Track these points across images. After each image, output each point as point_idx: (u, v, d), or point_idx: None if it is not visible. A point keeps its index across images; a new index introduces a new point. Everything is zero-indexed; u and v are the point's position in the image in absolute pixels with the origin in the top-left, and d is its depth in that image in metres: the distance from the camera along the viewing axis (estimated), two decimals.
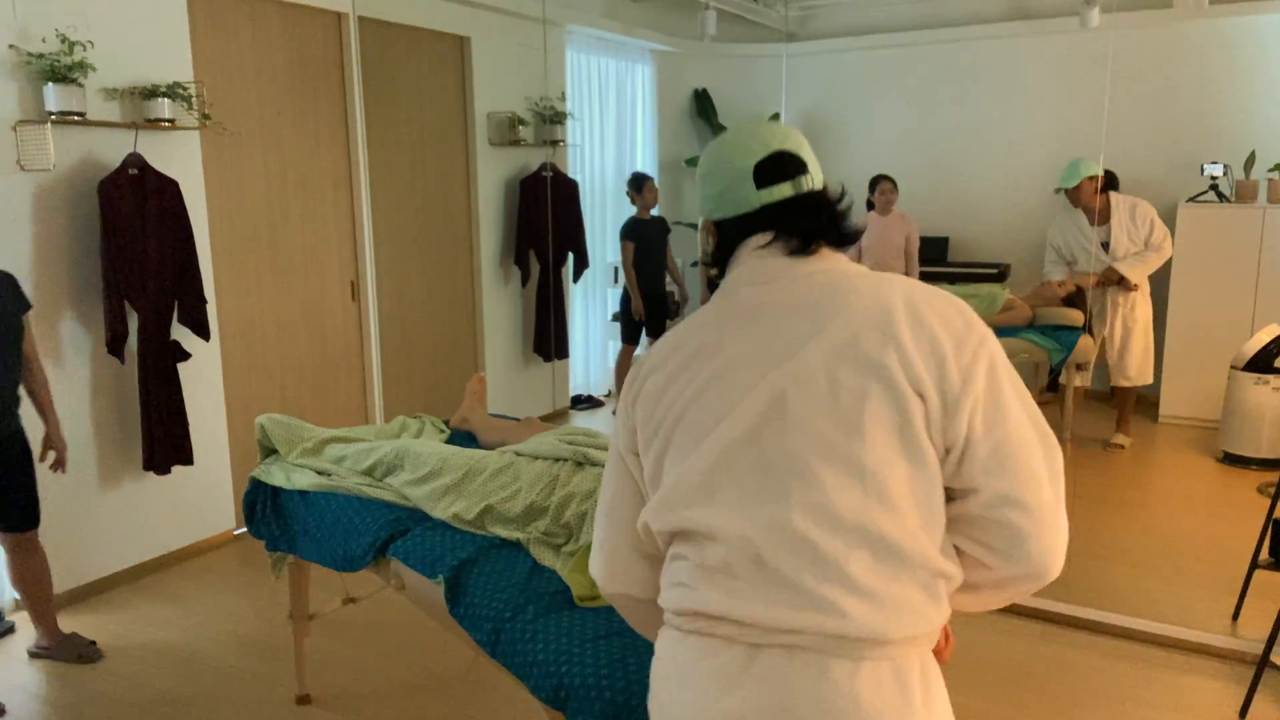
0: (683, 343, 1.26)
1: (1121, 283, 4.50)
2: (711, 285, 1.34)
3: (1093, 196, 4.44)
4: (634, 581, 1.32)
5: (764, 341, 1.20)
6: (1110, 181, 4.72)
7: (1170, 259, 4.88)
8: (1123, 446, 4.83)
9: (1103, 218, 4.52)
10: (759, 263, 1.26)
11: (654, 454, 1.25)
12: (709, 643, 1.17)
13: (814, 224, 1.26)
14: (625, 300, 5.99)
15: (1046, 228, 4.98)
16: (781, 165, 1.28)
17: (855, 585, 1.11)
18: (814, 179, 1.30)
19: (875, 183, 5.06)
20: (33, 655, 3.28)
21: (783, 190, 1.28)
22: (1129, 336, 4.67)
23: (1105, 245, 4.60)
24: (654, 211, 5.84)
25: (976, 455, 1.14)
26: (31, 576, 3.20)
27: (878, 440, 1.13)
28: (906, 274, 5.04)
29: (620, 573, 1.32)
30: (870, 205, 5.04)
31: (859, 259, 4.08)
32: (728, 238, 1.30)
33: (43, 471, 3.58)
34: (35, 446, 3.51)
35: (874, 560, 1.11)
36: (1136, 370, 4.67)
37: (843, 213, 1.29)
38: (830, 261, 1.25)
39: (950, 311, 1.18)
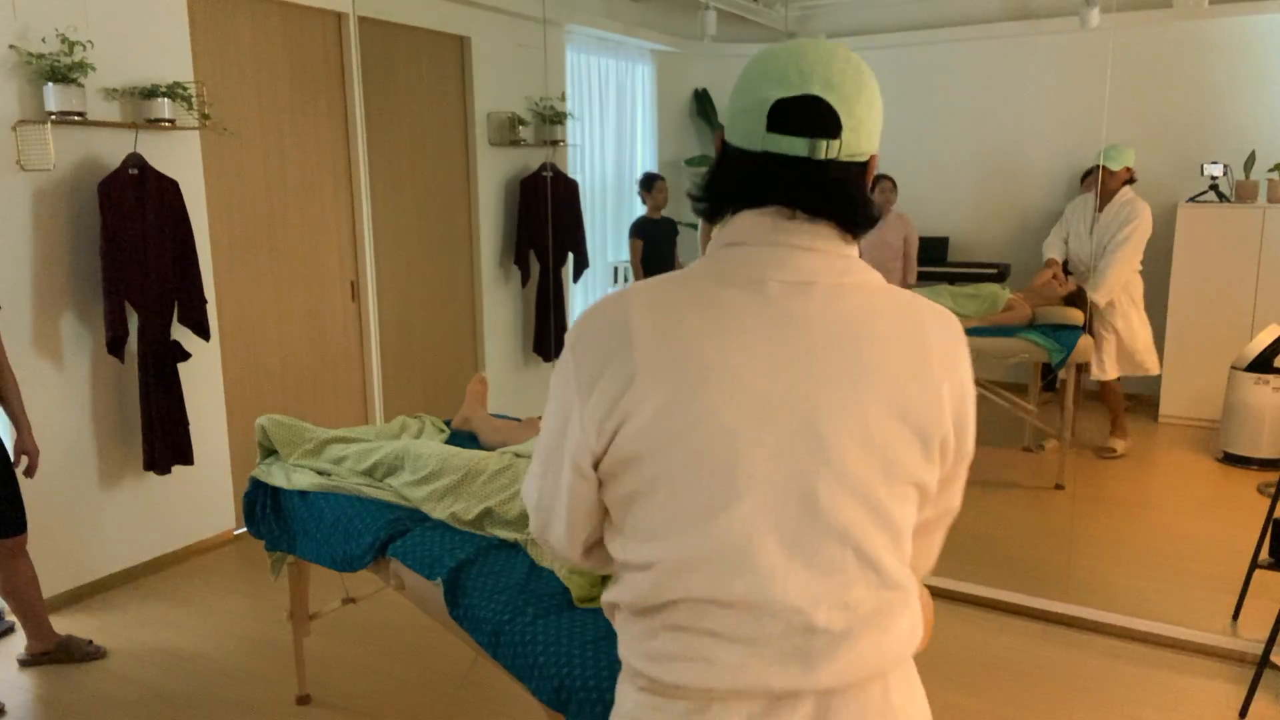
0: (679, 353, 1.00)
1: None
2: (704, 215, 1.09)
3: (1115, 183, 4.47)
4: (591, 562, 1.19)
5: (786, 366, 1.00)
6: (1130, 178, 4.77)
7: (1172, 260, 4.88)
8: (1116, 451, 4.70)
9: (1105, 202, 4.57)
10: (766, 251, 1.03)
11: (640, 482, 1.03)
12: (691, 707, 1.04)
13: (814, 198, 1.03)
14: None
15: (1047, 227, 4.98)
16: (806, 113, 1.01)
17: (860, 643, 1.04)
18: (845, 144, 1.02)
19: (875, 182, 5.06)
20: (23, 664, 3.23)
21: (793, 145, 1.02)
22: (1129, 324, 4.62)
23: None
24: (663, 212, 5.85)
25: (950, 482, 1.13)
26: (19, 583, 3.15)
27: (908, 495, 1.04)
28: (904, 275, 5.04)
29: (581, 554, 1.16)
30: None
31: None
32: (728, 169, 1.07)
33: (42, 473, 3.59)
34: None
35: (888, 609, 1.06)
36: (1144, 356, 4.60)
37: (864, 198, 1.06)
38: (848, 262, 1.05)
39: (963, 350, 1.07)
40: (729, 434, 0.99)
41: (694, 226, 6.10)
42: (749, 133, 1.04)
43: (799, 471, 0.99)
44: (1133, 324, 4.62)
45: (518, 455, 2.41)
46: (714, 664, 1.01)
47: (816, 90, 1.01)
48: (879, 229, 5.03)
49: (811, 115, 1.01)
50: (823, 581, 1.00)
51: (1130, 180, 4.42)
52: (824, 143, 1.01)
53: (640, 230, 5.78)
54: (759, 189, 1.04)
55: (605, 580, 1.92)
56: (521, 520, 2.20)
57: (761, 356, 1.00)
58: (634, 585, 1.06)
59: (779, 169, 1.03)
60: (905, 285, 4.48)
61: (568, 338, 1.08)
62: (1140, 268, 4.50)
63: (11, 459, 3.10)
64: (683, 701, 1.04)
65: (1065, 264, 4.69)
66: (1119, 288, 4.42)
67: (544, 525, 1.15)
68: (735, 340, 1.00)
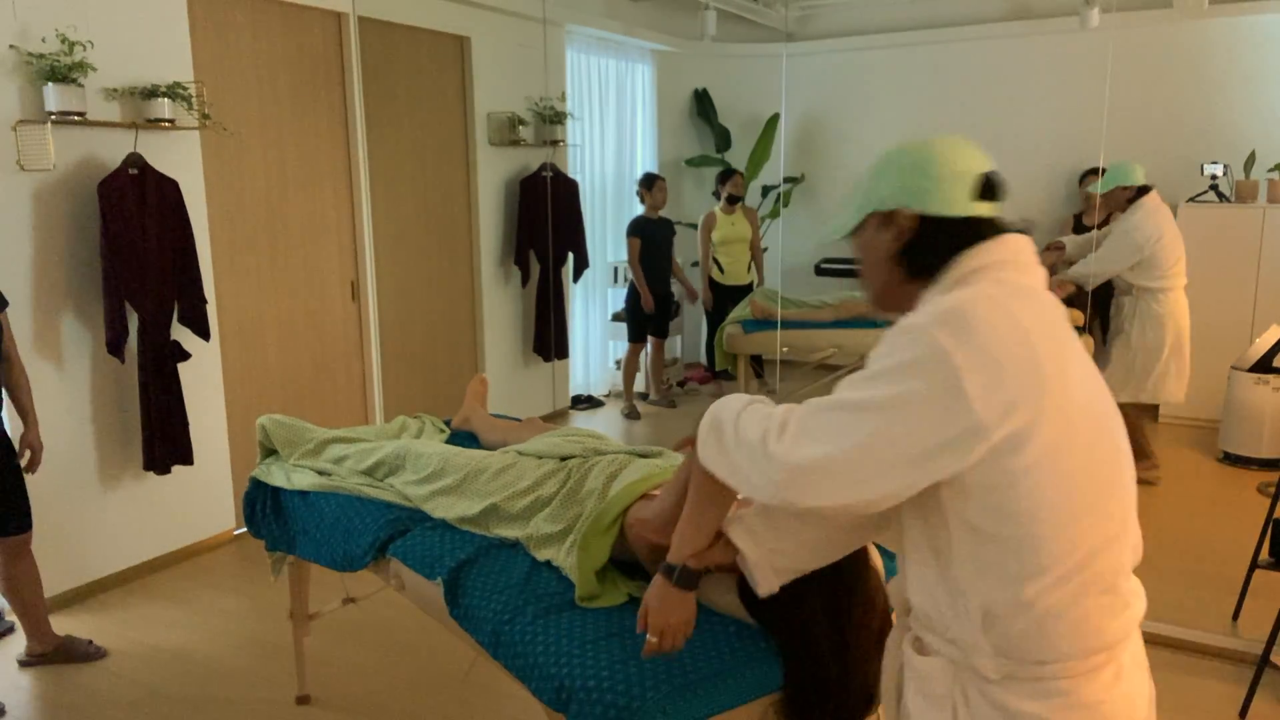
0: (1045, 353, 1.15)
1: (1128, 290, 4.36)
2: (915, 273, 1.29)
3: (1115, 204, 4.36)
4: (805, 537, 1.47)
5: (1084, 361, 1.22)
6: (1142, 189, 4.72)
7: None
8: (1146, 479, 4.48)
9: (1104, 222, 4.52)
10: (1021, 275, 1.26)
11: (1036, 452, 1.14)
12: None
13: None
14: (629, 300, 5.99)
15: (1047, 226, 4.98)
16: (999, 187, 1.30)
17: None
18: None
19: None
20: (23, 664, 3.22)
21: (996, 210, 1.30)
22: (1159, 346, 4.37)
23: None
24: (661, 212, 5.85)
25: None
26: (21, 583, 3.14)
27: None
28: None
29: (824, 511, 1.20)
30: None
31: None
32: (933, 234, 1.27)
33: (42, 473, 3.58)
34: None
35: None
36: (1175, 384, 4.33)
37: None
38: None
39: None
40: (1107, 420, 1.22)
41: (694, 227, 6.11)
42: (948, 200, 1.28)
43: (1122, 446, 1.25)
44: (1151, 342, 4.40)
45: (521, 453, 2.41)
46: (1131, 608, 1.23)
47: (991, 169, 1.32)
48: None
49: (1000, 188, 1.31)
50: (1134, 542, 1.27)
51: (1141, 192, 4.31)
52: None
53: (638, 229, 5.78)
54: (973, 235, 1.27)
55: (608, 578, 1.92)
56: (525, 514, 2.19)
57: (1074, 359, 1.21)
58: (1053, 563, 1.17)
59: (981, 227, 1.28)
60: None
61: (958, 357, 1.12)
62: (1171, 285, 4.27)
63: (18, 458, 3.11)
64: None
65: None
66: (1099, 275, 4.32)
67: (811, 489, 1.16)
68: (1070, 345, 1.21)
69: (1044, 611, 1.16)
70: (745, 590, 1.65)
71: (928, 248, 1.27)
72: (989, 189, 1.28)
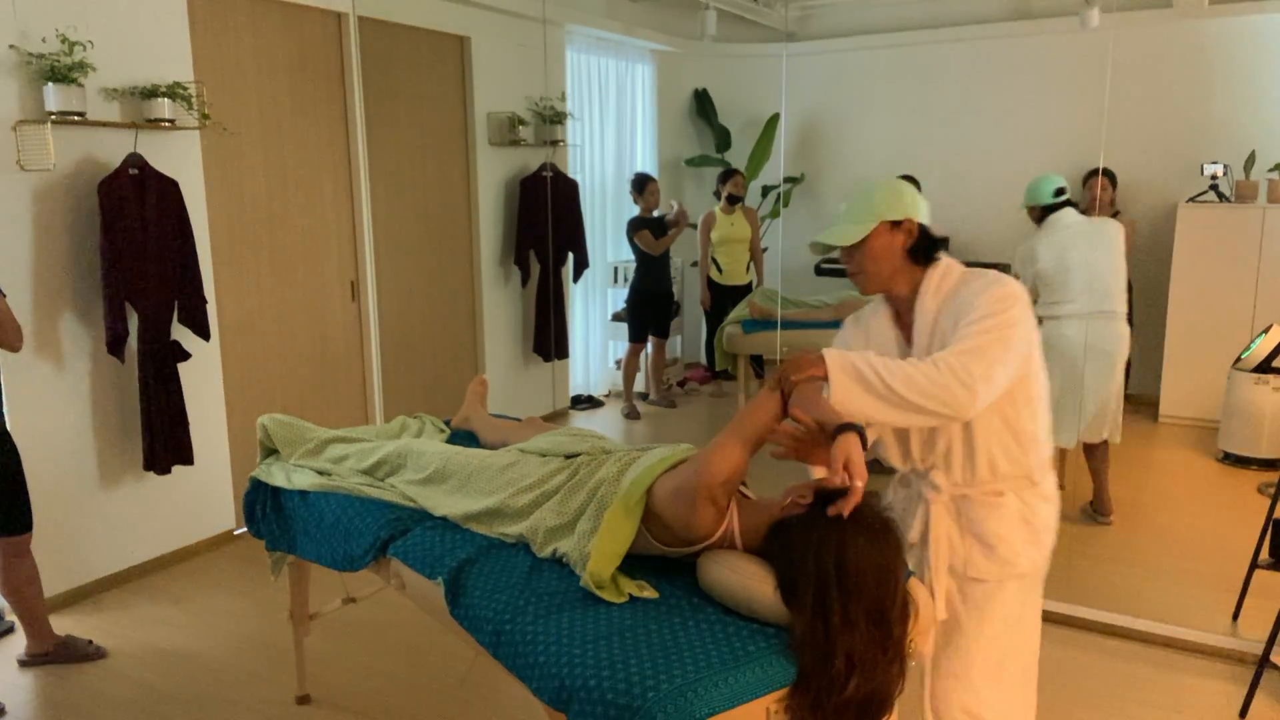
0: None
1: None
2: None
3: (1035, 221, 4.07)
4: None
5: None
6: (1111, 181, 4.67)
7: (1172, 260, 4.88)
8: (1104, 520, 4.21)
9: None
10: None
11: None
12: None
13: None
14: (630, 300, 5.99)
15: None
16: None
17: None
18: None
19: None
20: (23, 664, 3.22)
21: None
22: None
23: None
24: (655, 213, 5.85)
25: None
26: (21, 582, 3.14)
27: None
28: None
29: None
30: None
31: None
32: (925, 236, 1.97)
33: (42, 473, 3.58)
34: (27, 449, 3.51)
35: None
36: (1113, 421, 4.04)
37: None
38: None
39: None
40: None
41: (693, 227, 6.11)
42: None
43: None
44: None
45: (523, 451, 2.41)
46: None
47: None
48: None
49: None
50: None
51: (1048, 211, 3.94)
52: None
53: (638, 229, 5.80)
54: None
55: (612, 575, 1.92)
56: (529, 510, 2.19)
57: None
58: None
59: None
60: None
61: (1023, 300, 1.88)
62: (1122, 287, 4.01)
63: (20, 458, 3.11)
64: None
65: None
66: None
67: (994, 392, 1.80)
68: None
69: (1041, 446, 1.99)
70: (781, 571, 1.72)
71: (929, 245, 1.98)
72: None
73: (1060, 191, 3.95)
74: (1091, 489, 4.20)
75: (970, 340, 1.79)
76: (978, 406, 1.77)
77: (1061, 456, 4.20)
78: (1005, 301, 1.83)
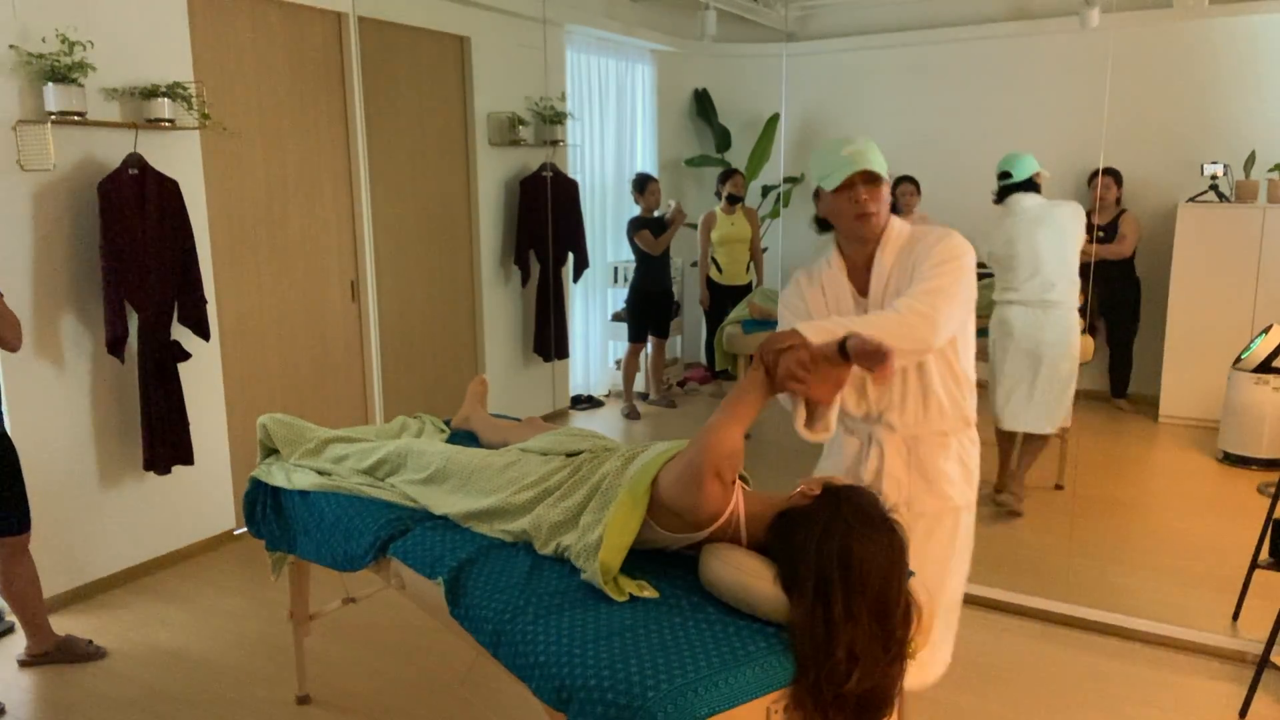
0: None
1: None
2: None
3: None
4: None
5: None
6: (1116, 180, 4.66)
7: (1171, 260, 4.88)
8: (1018, 512, 4.19)
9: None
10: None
11: None
12: None
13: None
14: (630, 300, 5.99)
15: None
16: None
17: None
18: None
19: (895, 184, 5.05)
20: (23, 664, 3.22)
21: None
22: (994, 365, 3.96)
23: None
24: (656, 213, 5.85)
25: None
26: (20, 582, 3.14)
27: None
28: None
29: None
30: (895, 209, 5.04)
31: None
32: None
33: (42, 473, 3.58)
34: (27, 449, 3.51)
35: None
36: (1064, 413, 3.97)
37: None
38: None
39: None
40: None
41: (693, 226, 6.11)
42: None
43: None
44: (993, 360, 3.96)
45: (524, 450, 2.40)
46: None
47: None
48: None
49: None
50: None
51: (1005, 192, 3.91)
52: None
53: (638, 228, 5.80)
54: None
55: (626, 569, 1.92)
56: (530, 507, 2.19)
57: None
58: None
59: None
60: None
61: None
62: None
63: (18, 458, 3.10)
64: None
65: None
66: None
67: (950, 328, 2.05)
68: None
69: (973, 390, 2.24)
70: (782, 561, 1.73)
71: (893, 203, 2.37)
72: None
73: (1033, 177, 3.89)
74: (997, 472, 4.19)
75: (931, 280, 2.03)
76: (942, 338, 2.01)
77: (1059, 449, 4.20)
78: (958, 248, 2.08)
